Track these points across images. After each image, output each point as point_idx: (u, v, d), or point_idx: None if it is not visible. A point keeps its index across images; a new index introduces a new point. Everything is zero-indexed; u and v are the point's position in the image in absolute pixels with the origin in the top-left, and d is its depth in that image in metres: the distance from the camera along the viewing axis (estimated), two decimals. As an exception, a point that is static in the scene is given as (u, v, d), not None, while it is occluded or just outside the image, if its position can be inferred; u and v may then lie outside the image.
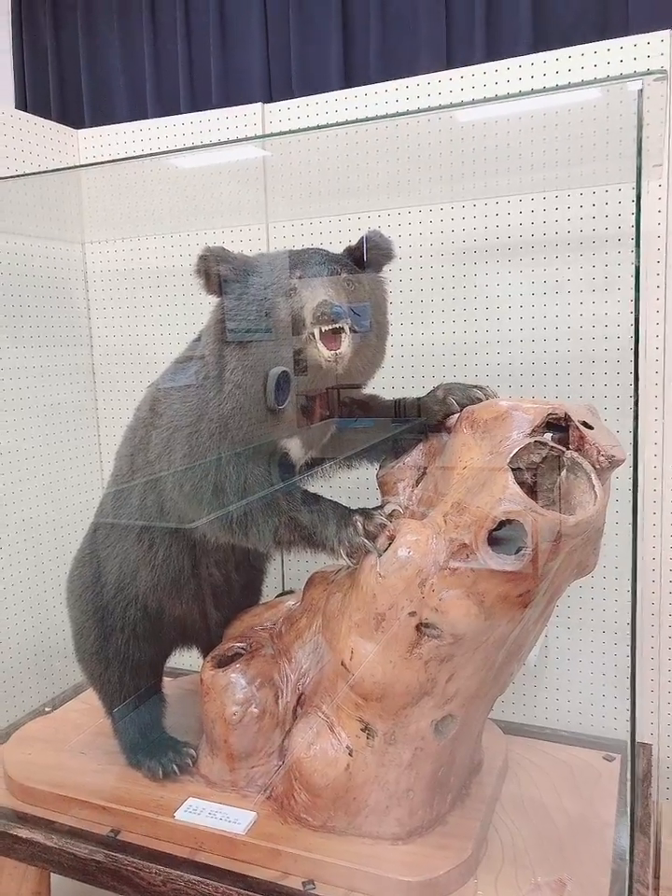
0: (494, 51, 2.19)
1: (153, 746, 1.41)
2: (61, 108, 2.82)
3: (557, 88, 0.86)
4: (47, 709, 1.71)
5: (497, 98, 0.97)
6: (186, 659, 1.64)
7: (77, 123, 2.65)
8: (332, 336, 1.06)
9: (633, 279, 0.82)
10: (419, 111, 1.07)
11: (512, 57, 1.51)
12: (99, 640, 1.42)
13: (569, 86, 0.85)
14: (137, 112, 2.65)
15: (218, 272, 1.14)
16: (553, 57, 1.44)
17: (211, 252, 1.14)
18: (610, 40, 1.41)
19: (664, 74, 0.78)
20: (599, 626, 1.62)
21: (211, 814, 1.25)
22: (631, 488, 0.95)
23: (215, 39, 2.52)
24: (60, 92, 2.83)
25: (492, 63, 1.54)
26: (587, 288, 1.45)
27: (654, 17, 1.95)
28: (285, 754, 1.27)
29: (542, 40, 2.12)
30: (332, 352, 1.07)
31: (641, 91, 0.78)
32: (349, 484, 1.62)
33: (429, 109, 1.12)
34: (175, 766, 1.36)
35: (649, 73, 0.79)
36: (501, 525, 1.02)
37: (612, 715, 1.64)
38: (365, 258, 1.20)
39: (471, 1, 2.21)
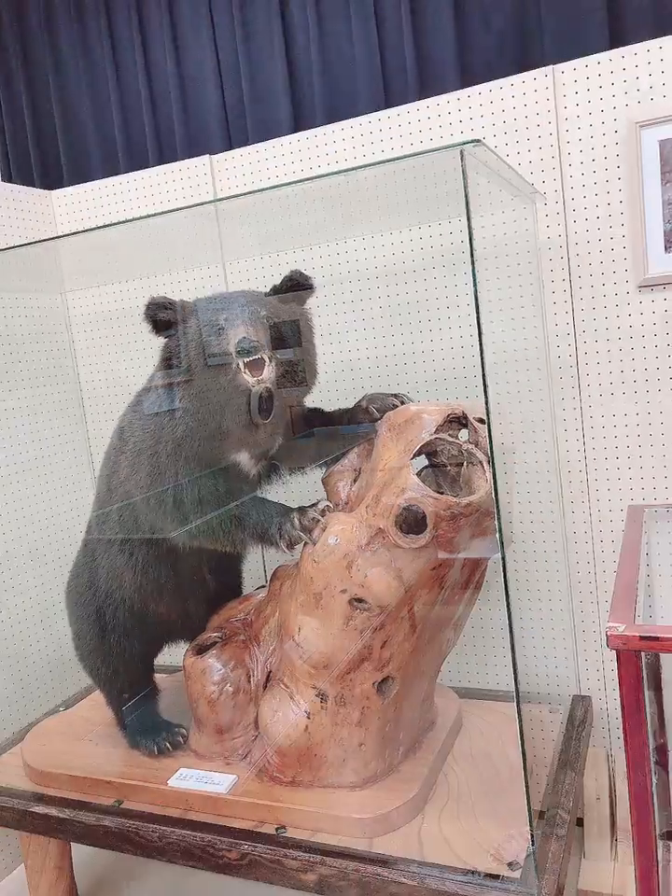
0: (426, 85, 2.39)
1: (149, 728, 1.61)
2: (41, 168, 3.06)
3: (417, 153, 1.08)
4: (60, 709, 1.93)
5: (373, 164, 1.19)
6: (180, 657, 1.85)
7: (57, 180, 2.91)
8: (255, 365, 1.28)
9: (473, 296, 1.02)
10: (324, 175, 1.32)
11: (442, 94, 1.75)
12: (95, 640, 1.64)
13: (418, 153, 1.06)
14: (110, 165, 2.89)
15: (162, 317, 1.36)
16: (476, 91, 1.69)
17: (154, 301, 1.36)
18: (524, 74, 1.65)
19: (479, 142, 0.99)
20: (546, 595, 1.80)
21: (198, 779, 1.45)
22: (496, 473, 1.14)
23: (175, 91, 2.75)
24: (39, 153, 3.08)
25: (423, 100, 1.78)
26: (498, 304, 1.65)
27: (564, 49, 2.14)
28: (258, 724, 1.47)
29: (468, 73, 2.32)
30: (256, 378, 1.29)
31: (462, 153, 0.99)
32: (304, 487, 1.83)
33: (328, 174, 1.37)
34: (167, 744, 1.57)
35: (471, 142, 1.00)
36: (408, 510, 1.22)
37: (564, 674, 1.82)
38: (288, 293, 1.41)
39: (400, 41, 2.42)
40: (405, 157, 1.07)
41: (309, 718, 1.36)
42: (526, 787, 1.14)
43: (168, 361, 1.38)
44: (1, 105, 3.09)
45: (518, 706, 1.13)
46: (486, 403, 1.05)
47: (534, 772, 1.46)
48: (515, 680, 1.15)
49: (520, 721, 1.17)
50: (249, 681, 1.50)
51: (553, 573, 1.77)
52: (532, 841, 1.21)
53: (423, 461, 1.36)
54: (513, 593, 1.83)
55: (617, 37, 2.05)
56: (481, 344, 1.02)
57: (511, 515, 1.67)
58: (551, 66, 1.64)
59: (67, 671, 2.11)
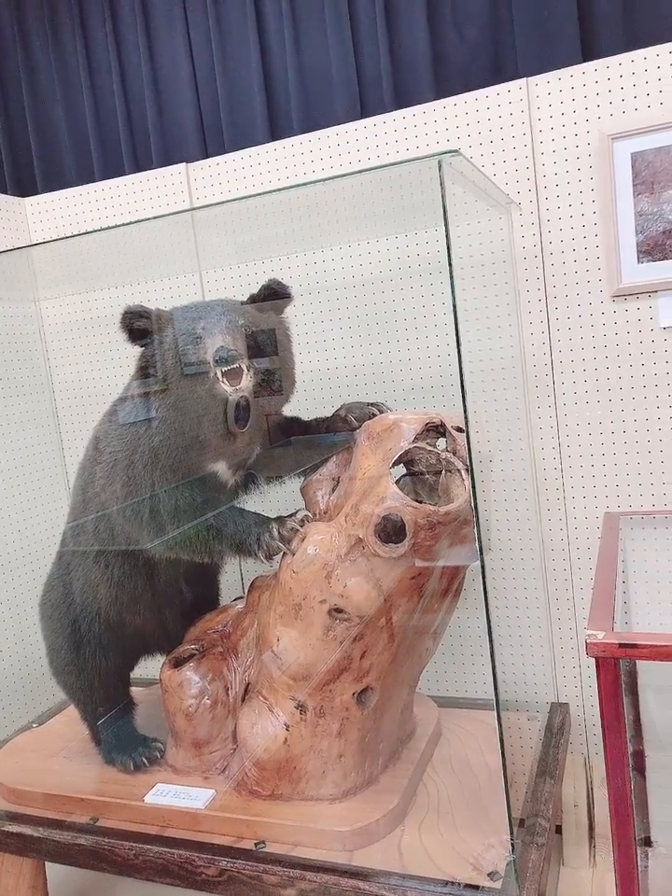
0: (401, 95, 2.41)
1: (125, 744, 1.59)
2: (14, 175, 3.03)
3: (395, 163, 1.09)
4: (33, 725, 1.89)
5: (351, 173, 1.20)
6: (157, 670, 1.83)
7: (30, 187, 2.87)
8: (232, 374, 1.27)
9: (451, 306, 1.02)
10: (300, 184, 1.32)
11: (417, 104, 1.79)
12: (69, 654, 1.61)
13: (396, 163, 1.07)
14: (84, 172, 2.86)
15: (138, 326, 1.35)
16: (452, 102, 1.71)
17: (130, 310, 1.35)
18: (499, 85, 1.68)
19: (456, 152, 0.99)
20: (523, 603, 1.81)
21: (175, 795, 1.43)
22: (472, 477, 1.14)
23: (150, 98, 2.73)
24: (12, 159, 3.04)
25: (399, 110, 1.80)
26: (475, 314, 1.67)
27: (537, 60, 2.18)
28: (236, 737, 1.45)
29: (443, 83, 2.34)
30: (233, 387, 1.28)
31: (440, 164, 0.99)
32: (282, 497, 1.82)
33: (305, 183, 1.37)
34: (144, 759, 1.54)
35: (448, 152, 1.00)
36: (387, 519, 1.22)
37: (542, 681, 1.82)
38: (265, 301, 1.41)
39: (376, 51, 2.44)
40: (383, 167, 1.08)
41: (288, 730, 1.35)
42: (507, 796, 1.14)
43: (144, 370, 1.36)
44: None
45: (498, 714, 1.13)
46: (464, 412, 1.05)
47: (513, 780, 1.46)
48: (495, 689, 1.15)
49: (500, 729, 1.17)
50: (227, 694, 1.49)
51: (530, 581, 1.78)
52: (512, 850, 1.20)
53: (401, 470, 1.36)
54: (491, 600, 1.84)
55: (588, 49, 2.09)
56: (459, 353, 1.03)
57: (489, 523, 1.67)
58: (525, 78, 1.66)
59: (40, 686, 2.07)
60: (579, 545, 1.73)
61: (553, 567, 1.75)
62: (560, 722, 1.63)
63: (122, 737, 1.60)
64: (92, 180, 2.53)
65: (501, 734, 1.13)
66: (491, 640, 1.14)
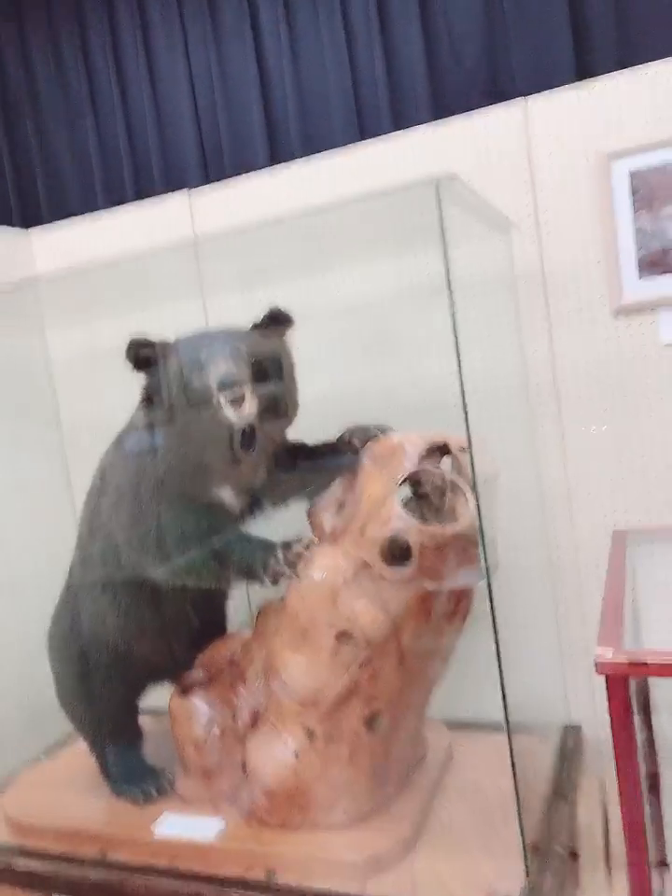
0: (399, 117, 2.44)
1: (135, 775, 1.57)
2: (19, 203, 3.06)
3: (393, 190, 1.10)
4: (41, 757, 1.87)
5: (350, 201, 1.21)
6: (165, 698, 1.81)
7: (35, 217, 2.90)
8: (236, 400, 1.28)
9: (452, 328, 1.03)
10: (302, 213, 1.33)
11: (415, 125, 1.83)
12: (77, 685, 1.60)
13: (394, 190, 1.08)
14: (89, 200, 2.90)
15: (143, 355, 1.35)
16: (450, 123, 1.76)
17: (135, 340, 1.36)
18: (496, 106, 1.72)
19: (454, 176, 1.00)
20: (532, 623, 1.79)
21: (184, 826, 1.42)
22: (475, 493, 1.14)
23: (151, 124, 2.77)
24: (17, 188, 3.08)
25: (397, 132, 1.85)
26: (477, 333, 1.67)
27: (533, 79, 2.20)
28: (245, 766, 1.44)
29: (440, 105, 2.37)
30: (238, 413, 1.28)
31: (437, 187, 1.00)
32: (288, 520, 1.82)
33: (306, 213, 1.38)
34: (153, 790, 1.53)
35: (446, 176, 1.01)
36: (392, 541, 1.22)
37: (553, 702, 1.80)
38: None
39: (373, 74, 2.47)
40: (381, 194, 1.09)
41: (297, 757, 1.34)
42: (520, 821, 1.12)
43: (150, 399, 1.37)
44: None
45: (509, 738, 1.12)
46: (467, 432, 1.05)
47: (526, 804, 1.43)
48: (505, 711, 1.13)
49: (511, 753, 1.16)
50: (236, 722, 1.47)
51: (538, 600, 1.77)
52: (526, 876, 1.18)
53: (407, 492, 1.36)
54: (499, 620, 1.82)
55: (584, 68, 2.11)
56: (460, 374, 1.03)
57: (496, 543, 1.66)
58: (522, 99, 1.68)
59: (49, 718, 2.05)
60: (587, 563, 1.71)
61: (562, 586, 1.74)
62: (573, 744, 1.61)
63: (131, 769, 1.58)
64: (96, 207, 2.56)
65: (513, 757, 1.12)
66: (499, 662, 1.12)
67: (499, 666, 1.12)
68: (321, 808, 1.35)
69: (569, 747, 1.61)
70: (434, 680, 1.46)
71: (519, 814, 1.17)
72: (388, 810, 1.38)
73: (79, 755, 1.74)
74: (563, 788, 1.45)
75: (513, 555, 1.75)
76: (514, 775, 1.12)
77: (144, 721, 1.71)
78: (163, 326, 2.07)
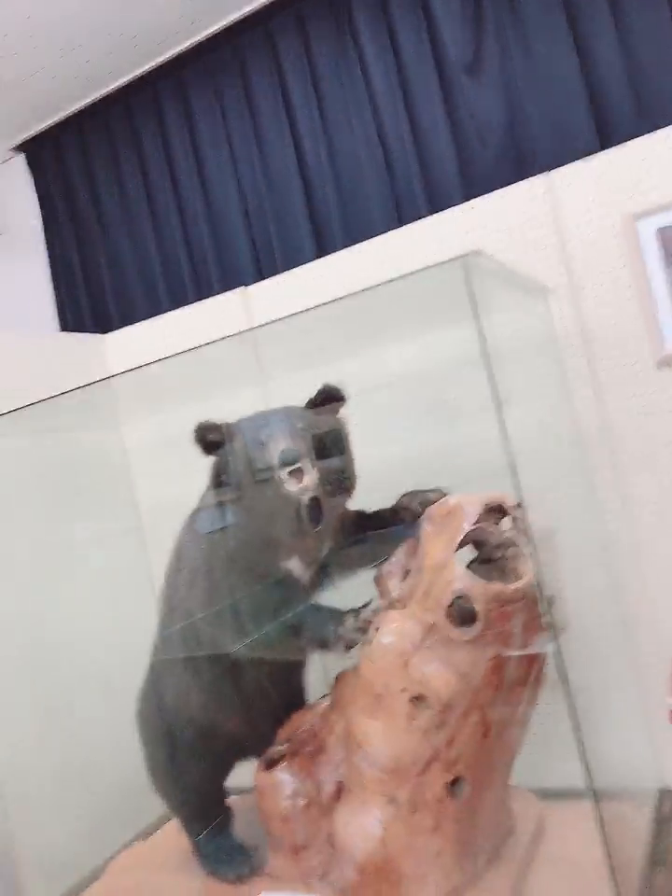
0: (434, 200, 2.58)
1: (227, 855, 1.59)
2: (92, 313, 3.34)
3: (423, 269, 1.18)
4: (139, 841, 1.91)
5: (384, 283, 1.30)
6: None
7: (106, 323, 3.16)
8: (296, 473, 1.36)
9: (493, 394, 1.09)
10: (343, 297, 1.43)
11: (447, 208, 1.92)
12: (166, 764, 1.64)
13: (424, 269, 1.17)
14: (153, 305, 3.14)
15: (210, 439, 1.47)
16: (480, 202, 1.84)
17: (202, 424, 1.48)
18: (523, 182, 1.80)
19: (478, 252, 1.08)
20: (613, 683, 1.74)
21: (279, 905, 1.42)
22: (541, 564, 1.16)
23: (206, 229, 3.01)
24: (90, 297, 3.37)
25: (431, 216, 1.94)
26: (522, 395, 1.72)
27: (555, 150, 2.32)
28: (333, 839, 1.44)
29: (469, 185, 2.51)
30: (299, 486, 1.36)
31: (465, 263, 1.09)
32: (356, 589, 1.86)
33: (347, 296, 1.47)
34: (246, 869, 1.54)
35: (471, 253, 1.10)
36: (457, 601, 1.24)
37: (645, 766, 1.73)
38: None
39: (407, 165, 2.64)
40: (412, 273, 1.18)
41: (383, 828, 1.33)
42: (616, 892, 1.09)
43: (218, 479, 1.47)
44: (58, 260, 3.42)
45: (596, 804, 1.10)
46: (518, 488, 1.09)
47: (623, 874, 1.37)
48: (588, 778, 1.12)
49: (600, 821, 1.13)
50: (320, 794, 1.48)
51: (617, 660, 1.73)
52: (631, 951, 1.13)
53: (469, 554, 1.39)
54: (579, 682, 1.78)
55: (604, 135, 2.22)
56: (504, 436, 1.08)
57: (562, 600, 1.65)
58: (547, 172, 1.77)
59: (144, 801, 2.09)
60: (664, 617, 1.68)
61: (641, 643, 1.69)
62: (670, 809, 1.53)
63: (223, 848, 1.60)
64: (160, 309, 2.78)
65: (602, 825, 1.09)
66: (576, 725, 1.11)
67: (577, 730, 1.11)
68: (411, 882, 1.33)
69: (665, 811, 1.53)
70: (513, 747, 1.44)
71: (614, 883, 1.13)
72: (479, 885, 1.35)
73: (174, 835, 1.76)
74: (661, 854, 1.38)
75: (586, 615, 1.73)
76: (606, 845, 1.09)
77: (232, 800, 1.74)
78: (227, 412, 2.22)
